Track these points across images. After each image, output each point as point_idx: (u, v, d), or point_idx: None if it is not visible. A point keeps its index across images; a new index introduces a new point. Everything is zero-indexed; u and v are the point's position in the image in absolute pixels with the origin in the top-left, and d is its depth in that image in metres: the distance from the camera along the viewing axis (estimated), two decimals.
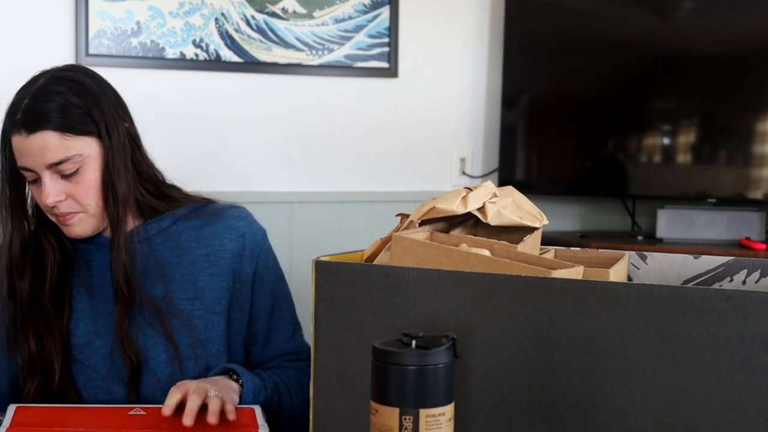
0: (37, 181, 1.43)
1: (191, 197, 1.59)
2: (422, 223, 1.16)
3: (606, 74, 2.87)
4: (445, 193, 1.16)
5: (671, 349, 0.92)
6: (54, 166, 1.41)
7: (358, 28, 2.71)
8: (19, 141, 1.41)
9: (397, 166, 2.82)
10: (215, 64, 2.54)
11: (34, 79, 1.46)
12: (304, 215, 2.69)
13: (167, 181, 1.58)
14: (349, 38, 2.70)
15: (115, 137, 1.47)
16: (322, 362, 1.08)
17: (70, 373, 1.46)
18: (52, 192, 1.41)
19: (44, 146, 1.40)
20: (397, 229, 1.16)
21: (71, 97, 1.43)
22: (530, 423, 0.98)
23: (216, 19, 2.54)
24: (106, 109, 1.46)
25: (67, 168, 1.42)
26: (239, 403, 1.38)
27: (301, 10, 2.64)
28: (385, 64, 2.75)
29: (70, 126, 1.42)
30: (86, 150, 1.43)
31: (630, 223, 2.98)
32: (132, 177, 1.49)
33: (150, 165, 1.54)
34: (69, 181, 1.43)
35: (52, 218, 1.47)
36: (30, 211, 1.52)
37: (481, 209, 1.15)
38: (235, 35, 2.56)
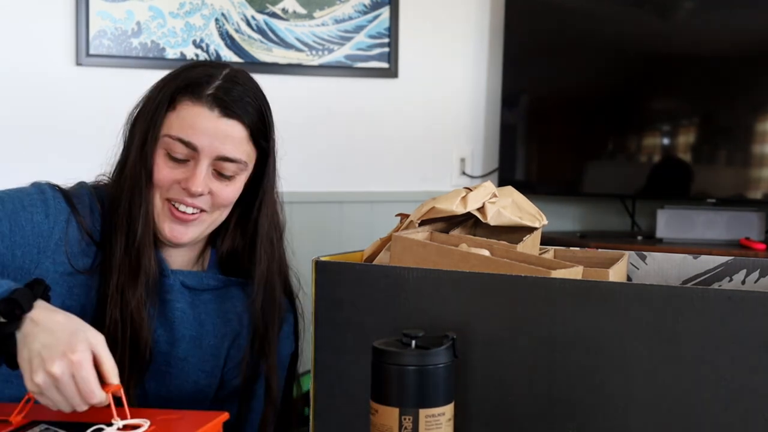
0: (184, 162, 1.29)
1: None
2: (422, 223, 1.16)
3: (606, 74, 2.87)
4: (445, 193, 1.16)
5: (671, 349, 0.92)
6: (221, 160, 1.29)
7: (358, 29, 2.71)
8: (203, 115, 1.28)
9: (397, 166, 2.82)
10: None
11: (214, 63, 1.38)
12: (304, 215, 2.69)
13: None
14: (349, 39, 2.70)
15: (271, 167, 1.40)
16: (322, 362, 1.08)
17: None
18: (203, 181, 1.28)
19: (229, 136, 1.29)
20: (397, 229, 1.16)
21: (263, 103, 1.35)
22: (530, 423, 0.98)
23: (216, 20, 2.54)
24: (274, 132, 1.39)
25: (230, 169, 1.30)
26: None
27: (301, 11, 2.65)
28: (385, 65, 2.75)
29: (257, 131, 1.33)
30: (250, 160, 1.34)
31: (630, 223, 2.98)
32: (271, 216, 1.41)
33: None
34: (218, 181, 1.31)
35: (161, 214, 1.31)
36: None
37: (481, 209, 1.15)
38: (236, 35, 2.57)
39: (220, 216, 1.34)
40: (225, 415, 1.08)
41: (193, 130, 1.28)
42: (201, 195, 1.29)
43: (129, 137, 1.34)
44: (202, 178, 1.28)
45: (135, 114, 1.34)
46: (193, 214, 1.31)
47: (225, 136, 1.29)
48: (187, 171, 1.29)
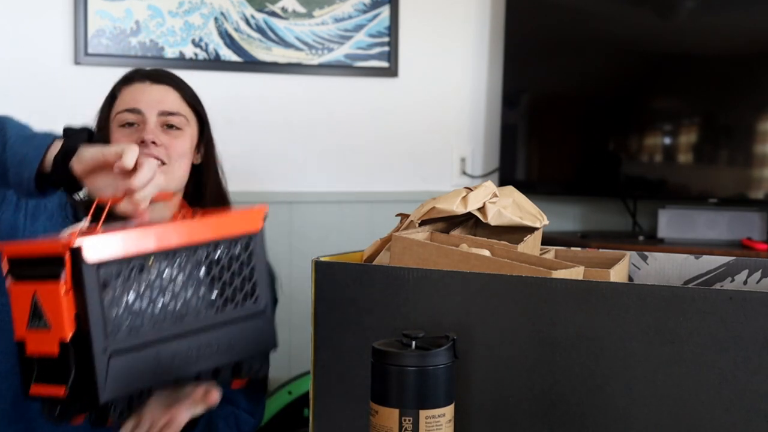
0: (135, 126, 1.54)
1: None
2: (422, 223, 1.15)
3: (607, 73, 2.87)
4: (445, 193, 1.16)
5: (672, 350, 0.92)
6: (164, 115, 1.55)
7: (358, 28, 2.70)
8: (138, 88, 1.57)
9: (397, 166, 2.82)
10: (215, 63, 2.54)
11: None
12: (304, 215, 2.68)
13: None
14: (348, 37, 2.69)
15: (209, 133, 1.64)
16: (322, 362, 1.08)
17: None
18: (152, 130, 1.53)
19: (165, 95, 1.57)
20: (397, 229, 1.15)
21: (187, 84, 1.63)
22: (530, 424, 0.98)
23: (215, 19, 2.53)
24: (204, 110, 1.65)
25: (175, 120, 1.56)
26: None
27: (301, 10, 2.64)
28: (385, 64, 2.75)
29: (186, 94, 1.60)
30: (191, 120, 1.59)
31: (631, 223, 2.98)
32: (215, 178, 1.63)
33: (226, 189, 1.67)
34: (168, 134, 1.55)
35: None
36: None
37: (482, 209, 1.15)
38: (235, 35, 2.56)
39: (179, 168, 1.56)
40: (264, 208, 1.17)
41: (134, 100, 1.56)
42: (154, 143, 1.51)
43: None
44: (151, 128, 1.53)
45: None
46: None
47: (161, 96, 1.57)
48: (140, 130, 1.54)
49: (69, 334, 0.98)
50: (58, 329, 0.98)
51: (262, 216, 1.17)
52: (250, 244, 1.14)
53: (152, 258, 1.04)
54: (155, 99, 1.56)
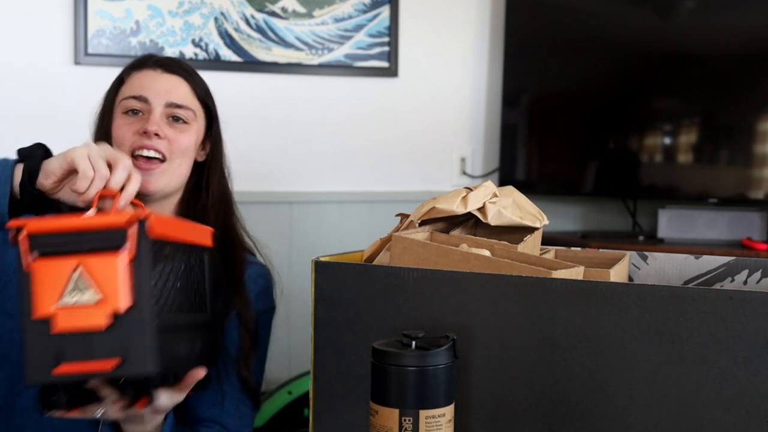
0: (139, 115, 1.47)
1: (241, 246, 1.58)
2: (422, 223, 1.15)
3: (607, 73, 2.87)
4: (445, 193, 1.16)
5: (672, 350, 0.92)
6: (171, 107, 1.49)
7: (358, 28, 2.70)
8: (148, 75, 1.50)
9: (397, 166, 2.82)
10: (214, 63, 2.54)
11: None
12: (304, 215, 2.68)
13: (242, 225, 1.59)
14: (349, 37, 2.69)
15: (217, 130, 1.56)
16: (322, 362, 1.08)
17: None
18: (157, 121, 1.46)
19: (175, 86, 1.50)
20: (397, 229, 1.15)
21: (200, 77, 1.56)
22: (531, 424, 0.98)
23: (215, 19, 2.53)
24: (215, 106, 1.58)
25: (182, 113, 1.49)
26: None
27: (301, 10, 2.64)
28: (385, 64, 2.75)
29: (198, 87, 1.53)
30: (199, 114, 1.52)
31: (631, 223, 2.98)
32: (219, 178, 1.56)
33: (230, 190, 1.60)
34: (173, 128, 1.48)
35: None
36: None
37: (482, 209, 1.15)
38: (235, 35, 2.56)
39: (180, 166, 1.49)
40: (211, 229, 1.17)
41: (142, 87, 1.49)
42: (157, 135, 1.45)
43: (95, 129, 1.55)
44: (156, 119, 1.46)
45: (96, 112, 1.56)
46: (155, 161, 1.46)
47: (171, 86, 1.50)
48: (144, 119, 1.47)
49: (127, 305, 0.97)
50: (112, 301, 0.97)
51: (210, 235, 1.18)
52: (204, 256, 1.16)
53: (168, 248, 1.05)
54: (164, 89, 1.49)
